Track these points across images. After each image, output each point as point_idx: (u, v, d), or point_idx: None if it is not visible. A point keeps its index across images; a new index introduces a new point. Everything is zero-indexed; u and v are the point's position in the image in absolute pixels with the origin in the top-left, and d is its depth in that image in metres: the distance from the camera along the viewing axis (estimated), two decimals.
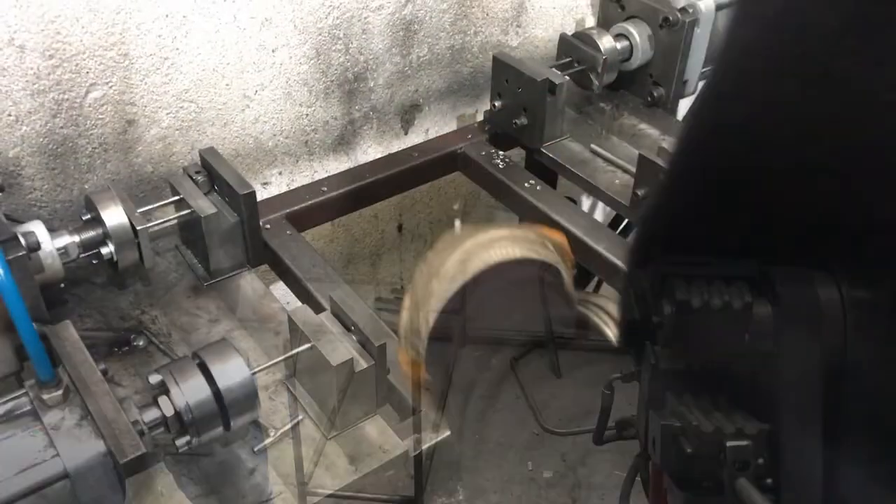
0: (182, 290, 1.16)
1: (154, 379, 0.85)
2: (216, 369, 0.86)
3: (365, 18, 1.40)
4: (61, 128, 1.19)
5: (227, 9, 1.25)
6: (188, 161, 1.34)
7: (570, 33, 1.57)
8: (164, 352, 1.06)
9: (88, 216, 1.08)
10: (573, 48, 1.49)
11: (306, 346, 0.95)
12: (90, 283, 1.15)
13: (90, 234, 1.07)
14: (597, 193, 1.40)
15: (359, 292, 1.15)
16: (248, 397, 0.87)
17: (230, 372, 0.86)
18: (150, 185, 1.32)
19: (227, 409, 0.85)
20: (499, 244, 0.76)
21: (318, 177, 1.51)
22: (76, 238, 1.05)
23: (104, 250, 1.06)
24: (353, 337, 0.96)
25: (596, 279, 1.75)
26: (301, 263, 1.20)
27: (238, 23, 1.27)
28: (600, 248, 1.27)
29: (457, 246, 0.78)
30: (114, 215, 1.06)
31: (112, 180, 1.27)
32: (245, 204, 1.12)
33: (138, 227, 1.05)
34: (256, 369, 0.91)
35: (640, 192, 1.26)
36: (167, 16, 1.20)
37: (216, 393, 0.85)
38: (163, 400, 0.84)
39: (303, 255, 1.22)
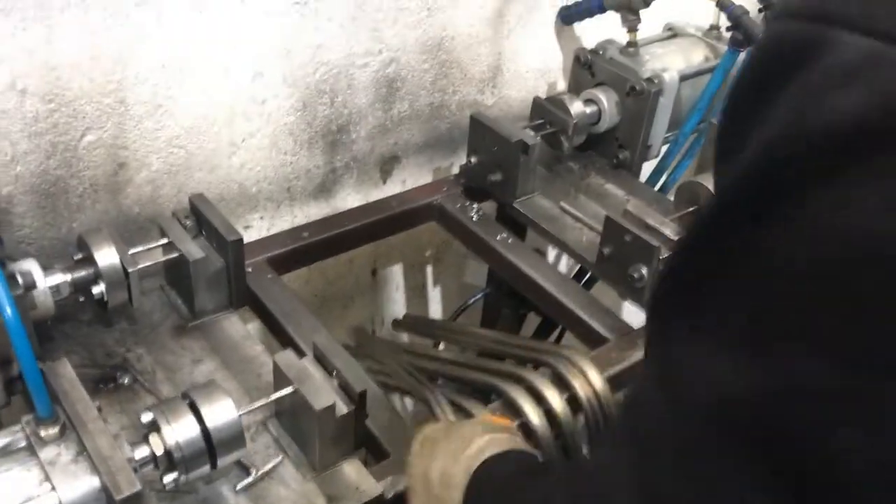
0: (166, 330, 1.20)
1: (146, 417, 0.89)
2: (205, 409, 0.90)
3: (351, 75, 1.47)
4: (55, 169, 1.23)
5: (222, 62, 1.31)
6: (174, 203, 1.39)
7: (543, 96, 1.66)
8: (148, 390, 1.10)
9: (80, 256, 1.13)
10: (546, 111, 1.57)
11: (290, 389, 0.99)
12: (77, 320, 1.19)
13: (82, 273, 1.10)
14: (565, 249, 1.48)
15: (333, 335, 1.20)
16: (236, 437, 0.91)
17: (219, 412, 0.91)
18: (136, 225, 1.36)
19: (216, 448, 0.90)
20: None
21: (297, 222, 1.57)
22: (68, 277, 1.09)
23: (95, 290, 1.10)
24: (335, 381, 1.01)
25: (559, 329, 1.82)
26: (282, 308, 1.25)
27: (231, 75, 1.33)
28: (567, 302, 1.35)
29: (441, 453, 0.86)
30: (106, 256, 1.10)
31: (100, 220, 1.31)
32: (232, 250, 1.17)
33: (129, 270, 1.10)
34: (244, 410, 0.96)
35: (605, 251, 1.33)
36: (164, 66, 1.26)
37: (205, 432, 0.90)
38: (153, 438, 0.88)
39: (284, 300, 1.27)
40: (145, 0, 1.19)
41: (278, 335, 1.25)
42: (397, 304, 1.90)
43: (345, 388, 1.00)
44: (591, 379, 1.19)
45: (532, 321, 1.85)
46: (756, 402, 0.49)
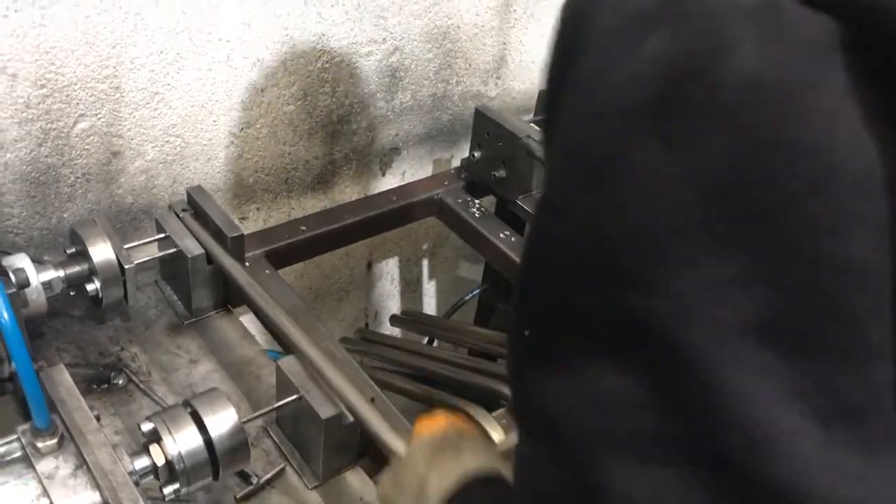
0: (162, 328, 1.16)
1: (146, 427, 0.85)
2: (208, 419, 0.87)
3: (354, 63, 1.43)
4: (46, 157, 1.18)
5: (222, 48, 1.26)
6: (169, 193, 1.34)
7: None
8: (144, 391, 1.06)
9: (73, 250, 1.08)
10: None
11: (294, 396, 0.96)
12: (68, 315, 1.14)
13: (75, 269, 1.06)
14: None
15: (326, 328, 1.16)
16: (239, 447, 0.88)
17: (222, 422, 0.87)
18: (129, 215, 1.31)
19: (219, 458, 0.86)
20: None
21: (294, 213, 1.53)
22: (61, 273, 1.04)
23: (90, 287, 1.06)
24: (341, 388, 0.97)
25: None
26: (283, 308, 1.20)
27: (231, 62, 1.28)
28: None
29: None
30: (101, 251, 1.06)
31: (92, 210, 1.26)
32: (233, 246, 1.13)
33: (126, 266, 1.05)
34: (246, 419, 0.92)
35: None
36: (161, 52, 1.21)
37: (207, 442, 0.86)
38: (154, 448, 0.84)
39: (284, 299, 1.22)
40: None
41: (278, 336, 1.20)
42: (392, 297, 1.87)
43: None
44: None
45: None
46: None
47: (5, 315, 0.73)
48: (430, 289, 1.94)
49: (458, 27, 1.53)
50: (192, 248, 1.12)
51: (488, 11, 1.56)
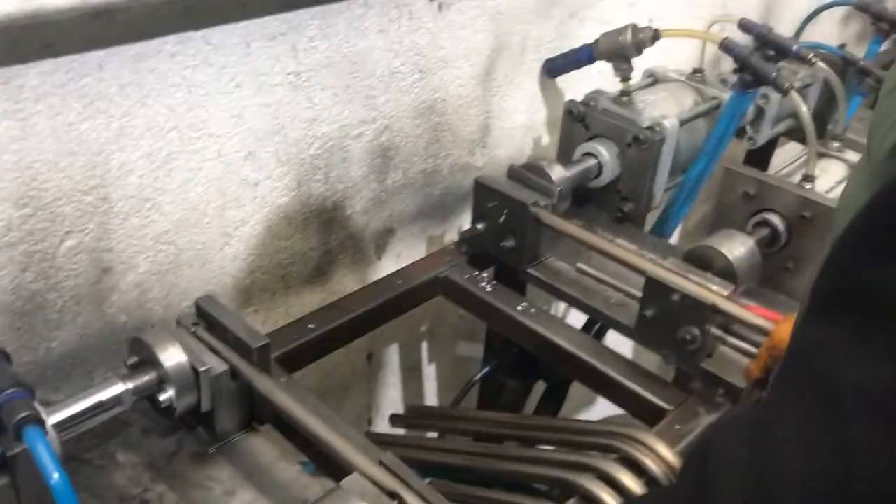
0: (185, 459, 1.03)
1: None
2: None
3: (345, 147, 1.35)
4: (31, 282, 1.06)
5: (212, 144, 1.17)
6: (163, 306, 1.22)
7: (528, 152, 1.58)
8: None
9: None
10: (524, 178, 1.43)
11: None
12: (77, 459, 1.00)
13: (84, 406, 0.93)
14: (594, 314, 1.38)
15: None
16: None
17: None
18: (123, 335, 1.18)
19: None
20: None
21: (292, 311, 1.42)
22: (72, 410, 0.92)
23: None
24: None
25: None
26: (312, 420, 1.09)
27: (222, 158, 1.19)
28: (614, 374, 1.25)
29: None
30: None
31: (83, 335, 1.14)
32: (259, 358, 1.01)
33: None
34: None
35: (647, 314, 1.24)
36: (150, 154, 1.11)
37: None
38: None
39: (311, 409, 1.11)
40: (129, 83, 1.04)
41: (311, 452, 1.08)
42: (394, 387, 1.76)
43: None
44: (664, 457, 1.08)
45: (535, 392, 1.74)
46: None
47: (55, 475, 0.61)
48: (430, 372, 1.84)
49: (444, 100, 1.48)
50: (215, 365, 1.00)
51: (471, 81, 1.52)
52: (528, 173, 1.45)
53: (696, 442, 1.06)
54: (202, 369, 0.96)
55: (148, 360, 0.96)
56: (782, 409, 0.57)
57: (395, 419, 1.60)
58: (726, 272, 1.30)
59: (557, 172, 1.45)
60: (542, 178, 1.44)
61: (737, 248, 1.33)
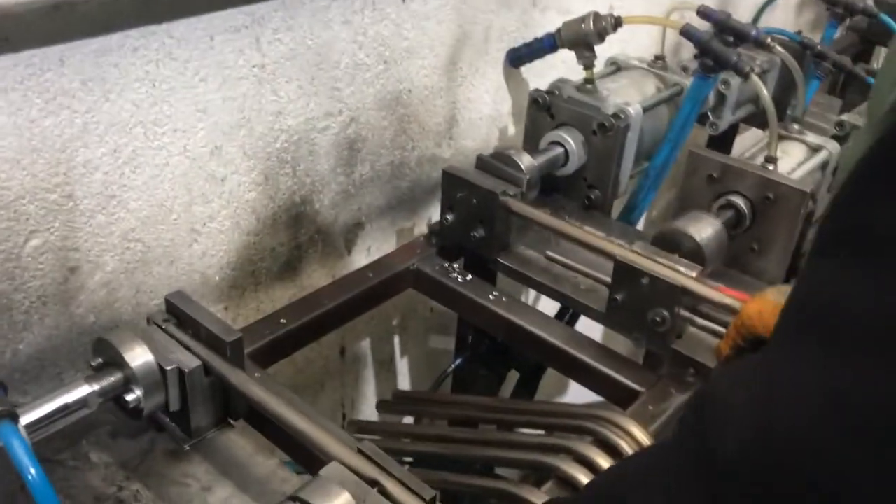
0: (160, 456, 1.02)
1: None
2: None
3: (312, 140, 1.34)
4: None
5: (178, 139, 1.16)
6: (132, 305, 1.20)
7: (495, 142, 1.58)
8: None
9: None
10: (493, 167, 1.44)
11: None
12: (50, 461, 0.98)
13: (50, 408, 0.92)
14: (565, 300, 1.39)
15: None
16: None
17: None
18: (92, 335, 1.16)
19: None
20: None
21: (263, 308, 1.41)
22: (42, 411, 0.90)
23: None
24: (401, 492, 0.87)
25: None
26: (289, 412, 1.08)
27: (188, 153, 1.18)
28: (587, 358, 1.26)
29: None
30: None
31: (50, 336, 1.12)
32: (233, 353, 1.01)
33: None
34: None
35: (618, 297, 1.26)
36: (115, 151, 1.09)
37: None
38: None
39: (286, 401, 1.10)
40: (91, 77, 1.03)
41: (288, 444, 1.08)
42: (367, 382, 1.75)
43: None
44: (638, 439, 1.10)
45: (510, 379, 1.76)
46: None
47: (32, 471, 0.60)
48: (403, 366, 1.84)
49: (410, 91, 1.48)
50: (188, 361, 0.99)
51: (436, 72, 1.52)
52: (496, 162, 1.45)
53: (686, 401, 1.06)
54: (169, 368, 0.95)
55: (113, 361, 0.95)
56: (783, 349, 0.57)
57: (381, 405, 1.59)
58: (694, 254, 1.32)
59: (526, 161, 1.46)
60: (510, 167, 1.44)
61: (704, 229, 1.35)
